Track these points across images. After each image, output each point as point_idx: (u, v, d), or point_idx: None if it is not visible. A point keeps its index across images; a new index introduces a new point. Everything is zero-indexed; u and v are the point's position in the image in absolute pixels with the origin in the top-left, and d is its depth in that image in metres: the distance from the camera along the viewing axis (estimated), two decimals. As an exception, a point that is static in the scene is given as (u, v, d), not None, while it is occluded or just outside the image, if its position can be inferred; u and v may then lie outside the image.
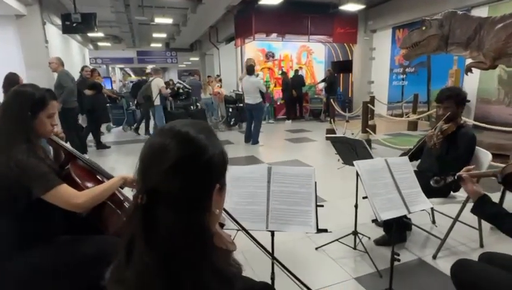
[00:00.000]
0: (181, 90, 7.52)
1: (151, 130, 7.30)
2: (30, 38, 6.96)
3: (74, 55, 11.14)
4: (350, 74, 10.78)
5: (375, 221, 1.94)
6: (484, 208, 1.14)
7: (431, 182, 1.26)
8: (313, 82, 11.22)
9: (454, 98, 2.16)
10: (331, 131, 6.43)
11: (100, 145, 6.17)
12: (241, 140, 6.59)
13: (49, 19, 7.69)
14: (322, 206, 1.40)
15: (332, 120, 6.36)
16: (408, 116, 7.47)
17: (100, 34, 11.02)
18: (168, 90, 6.67)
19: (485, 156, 2.21)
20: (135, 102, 7.92)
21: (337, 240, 2.35)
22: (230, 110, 8.17)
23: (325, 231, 1.33)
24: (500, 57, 4.45)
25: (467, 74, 5.48)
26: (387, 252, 2.32)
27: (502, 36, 4.31)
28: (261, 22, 9.15)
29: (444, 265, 2.13)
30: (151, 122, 7.29)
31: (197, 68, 17.78)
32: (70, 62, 10.62)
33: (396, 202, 1.46)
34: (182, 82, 8.64)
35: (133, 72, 28.10)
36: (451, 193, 2.27)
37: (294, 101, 9.89)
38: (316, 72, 11.69)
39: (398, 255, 1.61)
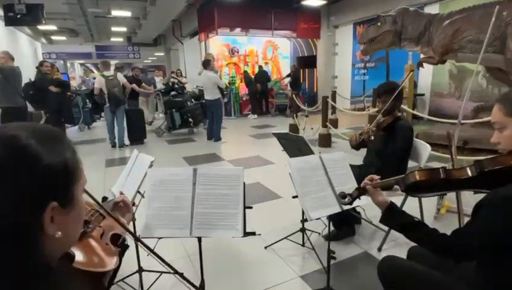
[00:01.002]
0: (176, 86, 7.08)
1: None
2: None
3: (23, 49, 10.33)
4: (315, 69, 10.91)
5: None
6: (391, 219, 1.12)
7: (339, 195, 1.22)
8: (279, 77, 11.25)
9: (391, 92, 2.19)
10: (294, 126, 6.46)
11: None
12: (205, 138, 6.45)
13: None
14: (251, 207, 1.33)
15: (295, 115, 6.38)
16: (368, 110, 7.68)
17: (52, 27, 10.29)
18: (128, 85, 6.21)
19: (424, 148, 2.26)
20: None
21: (286, 238, 2.32)
22: (194, 106, 7.95)
23: (253, 234, 1.26)
24: (448, 53, 4.65)
25: (418, 69, 5.70)
26: (336, 247, 2.33)
27: (449, 32, 4.49)
28: (224, 16, 8.97)
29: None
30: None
31: (163, 64, 17.26)
32: (19, 57, 9.84)
33: (329, 200, 1.43)
34: (175, 77, 8.14)
35: (96, 68, 26.68)
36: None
37: (259, 96, 9.85)
38: (282, 67, 11.72)
39: (334, 253, 1.59)
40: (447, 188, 1.08)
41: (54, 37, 12.83)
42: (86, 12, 9.06)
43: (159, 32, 14.01)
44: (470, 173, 1.01)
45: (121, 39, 14.35)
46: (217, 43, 10.62)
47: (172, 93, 6.95)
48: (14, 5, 6.75)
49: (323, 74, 10.49)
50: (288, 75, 9.85)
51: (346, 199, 1.21)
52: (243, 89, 10.44)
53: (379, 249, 2.25)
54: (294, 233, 2.34)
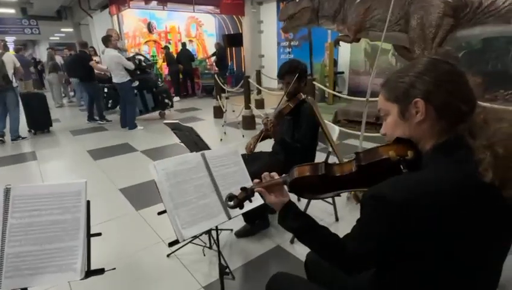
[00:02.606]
0: (143, 64, 5.97)
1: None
2: None
3: None
4: (242, 48, 10.57)
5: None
6: (287, 221, 0.91)
7: (225, 200, 0.98)
8: (205, 56, 10.65)
9: (293, 72, 2.00)
10: (218, 109, 6.12)
11: None
12: (119, 125, 5.73)
13: None
14: (100, 234, 0.99)
15: (218, 97, 6.02)
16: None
17: None
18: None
19: (331, 131, 2.14)
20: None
21: (190, 241, 2.03)
22: (106, 90, 7.00)
23: (101, 272, 0.93)
24: (360, 31, 4.72)
25: (335, 46, 5.77)
26: (248, 244, 2.14)
27: (361, 10, 4.54)
28: (136, -14, 7.96)
29: (300, 249, 2.04)
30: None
31: (73, 42, 15.09)
32: None
33: (213, 208, 1.16)
34: (142, 54, 6.91)
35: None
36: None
37: (184, 77, 9.22)
38: (208, 46, 11.11)
39: (226, 268, 1.35)
40: (331, 187, 0.88)
41: None
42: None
43: (62, 3, 12.01)
44: (352, 168, 0.82)
45: (12, 10, 11.89)
46: (133, 17, 9.50)
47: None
48: None
49: (249, 52, 10.22)
50: (213, 54, 9.34)
51: (232, 202, 0.97)
52: (166, 69, 9.64)
53: (291, 242, 2.12)
54: (199, 235, 2.07)
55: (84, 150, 4.38)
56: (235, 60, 10.98)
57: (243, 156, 2.28)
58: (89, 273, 0.91)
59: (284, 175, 0.95)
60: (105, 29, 9.52)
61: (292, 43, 9.26)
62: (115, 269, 1.10)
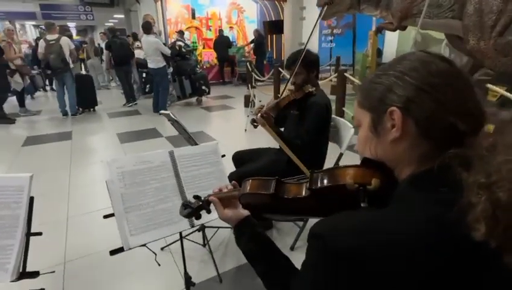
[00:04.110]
0: (183, 50, 6.30)
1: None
2: None
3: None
4: (282, 35, 10.24)
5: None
6: (240, 240, 0.76)
7: (180, 209, 0.85)
8: (245, 43, 10.52)
9: (301, 62, 1.78)
10: (247, 98, 5.99)
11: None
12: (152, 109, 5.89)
13: None
14: (40, 234, 0.92)
15: (250, 85, 5.88)
16: (331, 80, 7.29)
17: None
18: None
19: (345, 129, 1.88)
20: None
21: (184, 237, 1.96)
22: (144, 75, 7.23)
23: (35, 274, 0.86)
24: (407, 17, 4.23)
25: (376, 35, 5.27)
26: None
27: (408, -6, 4.05)
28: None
29: (299, 257, 1.86)
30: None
31: (124, 27, 15.89)
32: None
33: (173, 214, 1.04)
34: (182, 39, 7.24)
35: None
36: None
37: (220, 64, 9.22)
38: (248, 33, 10.93)
39: (190, 278, 1.23)
40: (286, 210, 0.72)
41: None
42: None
43: (114, -10, 12.62)
44: (303, 192, 0.65)
45: (70, -3, 12.80)
46: (176, 3, 9.64)
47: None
48: None
49: (290, 40, 9.86)
50: (251, 42, 9.17)
51: (186, 211, 0.85)
52: (206, 56, 9.70)
53: (291, 248, 1.95)
54: (193, 232, 1.99)
55: (114, 133, 4.56)
56: (275, 48, 10.70)
57: (244, 154, 2.15)
58: (23, 275, 0.86)
59: (239, 188, 0.81)
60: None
61: (335, 31, 8.73)
62: (54, 272, 1.04)
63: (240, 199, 0.77)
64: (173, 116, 1.59)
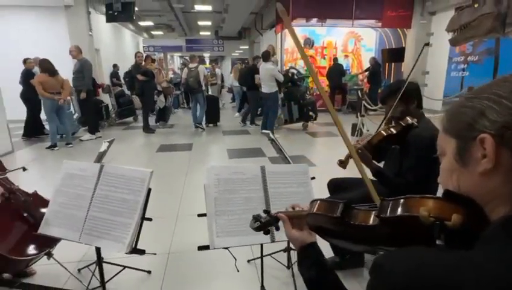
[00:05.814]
0: (295, 77, 7.14)
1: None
2: (76, 28, 7.58)
3: (126, 43, 11.95)
4: (402, 63, 9.54)
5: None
6: (301, 266, 0.75)
7: (250, 221, 0.88)
8: (360, 71, 10.24)
9: (396, 93, 1.62)
10: (354, 126, 5.76)
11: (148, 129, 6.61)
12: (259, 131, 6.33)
13: (95, 9, 8.28)
14: (150, 219, 1.11)
15: (358, 114, 5.67)
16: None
17: (149, 23, 11.58)
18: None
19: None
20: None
21: (269, 255, 2.00)
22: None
23: (142, 252, 1.05)
24: None
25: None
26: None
27: None
28: (299, 6, 8.58)
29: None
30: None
31: (247, 57, 17.80)
32: (123, 49, 11.43)
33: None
34: (295, 67, 8.30)
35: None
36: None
37: (331, 91, 9.20)
38: (364, 61, 10.63)
39: None
40: (351, 238, 0.67)
41: (154, 32, 14.50)
42: (173, 8, 9.88)
43: (242, 26, 14.41)
44: (370, 219, 0.60)
45: (208, 33, 15.28)
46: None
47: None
48: (112, 4, 7.77)
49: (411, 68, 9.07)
50: (366, 70, 8.87)
51: (255, 224, 0.87)
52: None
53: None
54: (277, 252, 2.00)
55: (225, 148, 5.08)
56: (393, 76, 10.03)
57: (340, 182, 2.05)
58: (134, 250, 1.05)
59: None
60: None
61: (469, 58, 7.60)
62: (155, 253, 1.21)
63: (306, 219, 0.76)
64: (272, 136, 1.70)
